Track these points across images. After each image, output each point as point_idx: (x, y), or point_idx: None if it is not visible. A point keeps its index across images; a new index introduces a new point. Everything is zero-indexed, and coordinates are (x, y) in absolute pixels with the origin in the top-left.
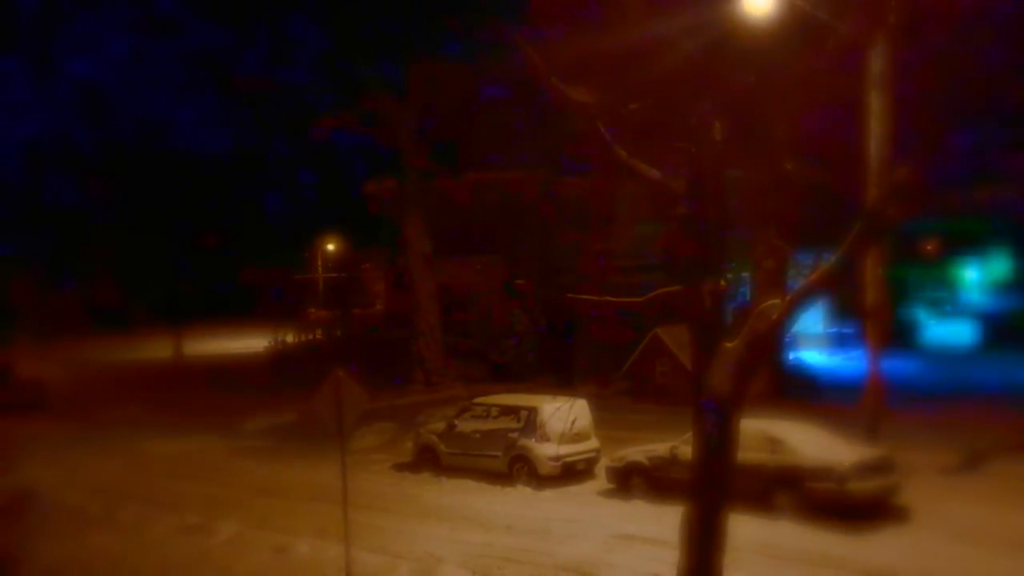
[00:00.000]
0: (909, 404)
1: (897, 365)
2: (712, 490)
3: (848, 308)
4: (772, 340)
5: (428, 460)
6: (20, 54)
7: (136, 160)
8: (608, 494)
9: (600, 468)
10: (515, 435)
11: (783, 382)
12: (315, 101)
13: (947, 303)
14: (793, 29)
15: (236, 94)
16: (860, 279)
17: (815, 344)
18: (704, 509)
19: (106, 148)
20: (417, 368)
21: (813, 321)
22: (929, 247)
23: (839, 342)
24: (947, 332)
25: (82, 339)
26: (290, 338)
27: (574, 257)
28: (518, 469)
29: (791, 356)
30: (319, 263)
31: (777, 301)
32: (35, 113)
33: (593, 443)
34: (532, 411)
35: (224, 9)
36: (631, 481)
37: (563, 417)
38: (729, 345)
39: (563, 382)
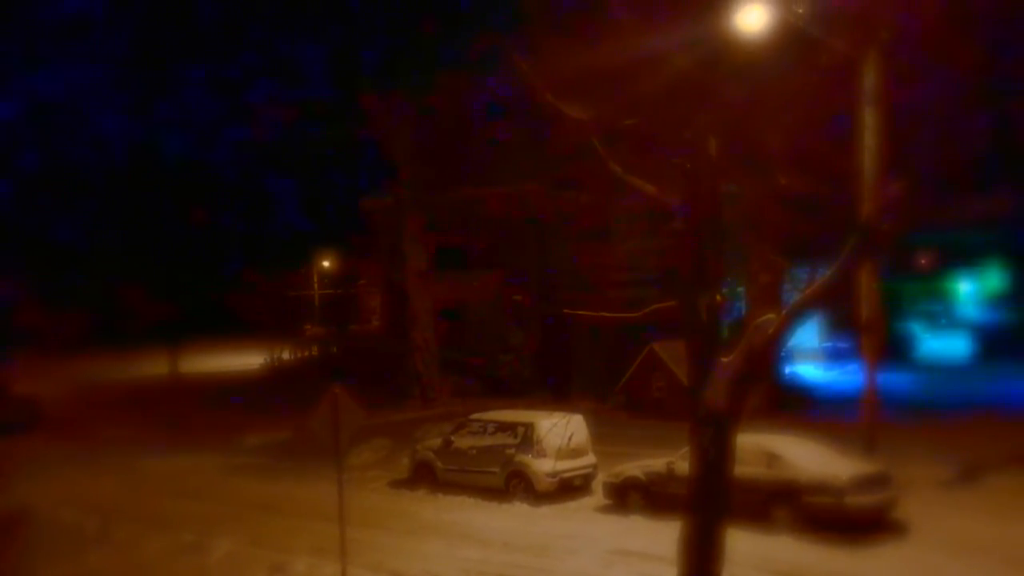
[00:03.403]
0: (905, 418)
1: (893, 379)
2: (709, 505)
3: (843, 322)
4: (768, 354)
5: (425, 476)
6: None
7: (128, 174)
8: (605, 510)
9: (597, 484)
10: (512, 451)
11: (779, 396)
12: (310, 114)
13: (942, 316)
14: (787, 45)
15: (231, 107)
16: (855, 293)
17: (811, 358)
18: (701, 524)
19: (97, 164)
20: (413, 384)
21: (809, 335)
22: (924, 260)
23: (835, 356)
24: (942, 345)
25: (78, 356)
26: (286, 355)
27: (571, 272)
28: (515, 485)
29: (787, 370)
30: (315, 279)
31: (773, 315)
32: (25, 127)
33: (590, 459)
34: (529, 427)
35: (218, 20)
36: (628, 497)
37: (560, 433)
38: (725, 359)
39: (560, 397)
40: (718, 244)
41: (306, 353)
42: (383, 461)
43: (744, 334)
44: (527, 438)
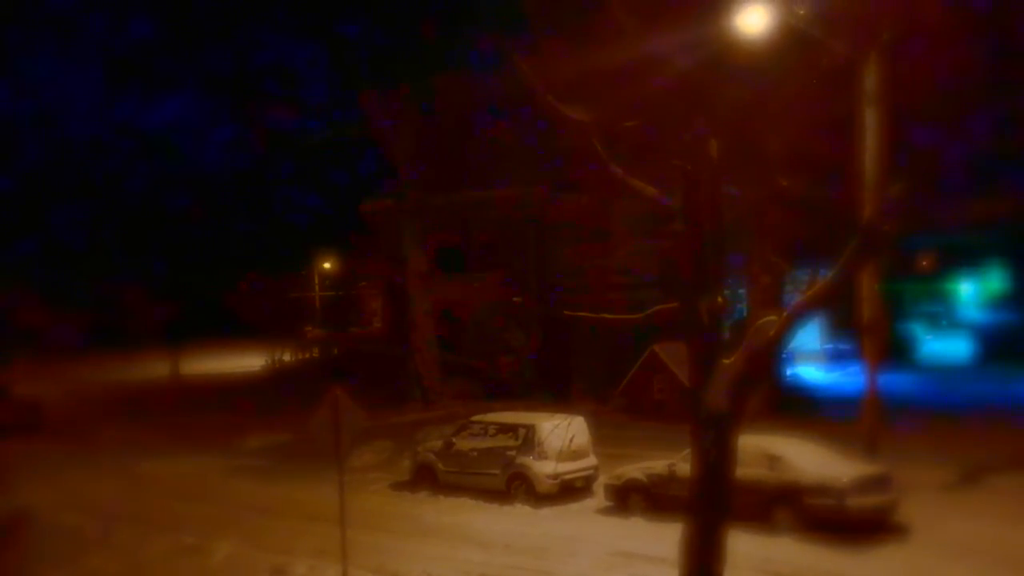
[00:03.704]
0: (907, 419)
1: (894, 380)
2: (711, 507)
3: (845, 324)
4: (770, 356)
5: (426, 478)
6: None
7: (128, 174)
8: (607, 512)
9: (598, 486)
10: (513, 453)
11: (781, 398)
12: (310, 115)
13: (943, 318)
14: (787, 47)
15: (233, 108)
16: (856, 294)
17: (812, 360)
18: (703, 526)
19: (98, 164)
20: (414, 386)
21: (810, 337)
22: (925, 262)
23: (836, 358)
24: (944, 347)
25: (79, 358)
26: (287, 356)
27: (571, 274)
28: (516, 487)
29: (788, 372)
30: (316, 281)
31: (774, 317)
32: (26, 126)
33: (591, 460)
34: (530, 429)
35: (222, 21)
36: (630, 499)
37: (561, 434)
38: (727, 361)
39: (561, 399)
40: (719, 246)
41: (307, 355)
42: (384, 463)
43: (745, 336)
44: (528, 440)
